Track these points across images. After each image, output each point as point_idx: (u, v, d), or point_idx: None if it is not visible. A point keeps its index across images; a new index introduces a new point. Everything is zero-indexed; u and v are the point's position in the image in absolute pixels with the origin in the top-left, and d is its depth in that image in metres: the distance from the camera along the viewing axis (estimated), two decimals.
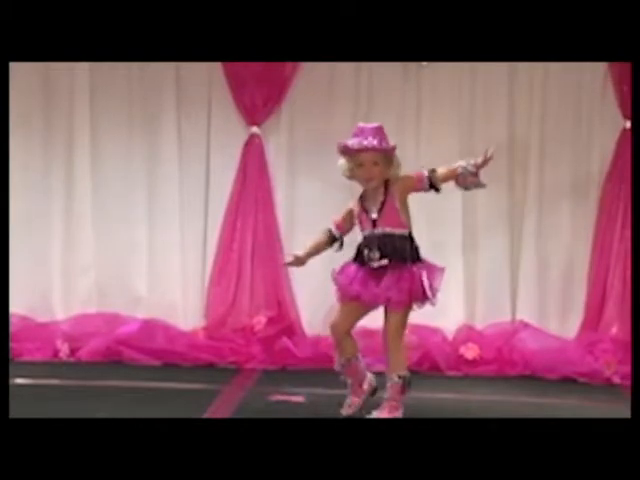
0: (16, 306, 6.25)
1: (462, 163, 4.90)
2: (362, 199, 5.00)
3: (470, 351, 6.52)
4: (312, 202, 6.65)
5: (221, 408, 5.23)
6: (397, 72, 6.69)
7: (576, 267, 6.73)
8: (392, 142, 4.93)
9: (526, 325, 6.66)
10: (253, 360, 6.45)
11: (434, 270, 4.95)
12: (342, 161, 4.99)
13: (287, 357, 6.48)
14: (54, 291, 6.77)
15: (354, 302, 4.98)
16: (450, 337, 6.64)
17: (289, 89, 6.70)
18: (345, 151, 4.94)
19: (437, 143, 6.67)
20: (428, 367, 6.42)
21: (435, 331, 6.58)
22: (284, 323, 6.63)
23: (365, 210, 4.97)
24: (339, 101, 6.75)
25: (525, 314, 6.70)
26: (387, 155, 4.92)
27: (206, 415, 5.02)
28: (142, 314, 6.71)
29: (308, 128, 6.74)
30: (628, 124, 6.54)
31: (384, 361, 5.02)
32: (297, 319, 6.68)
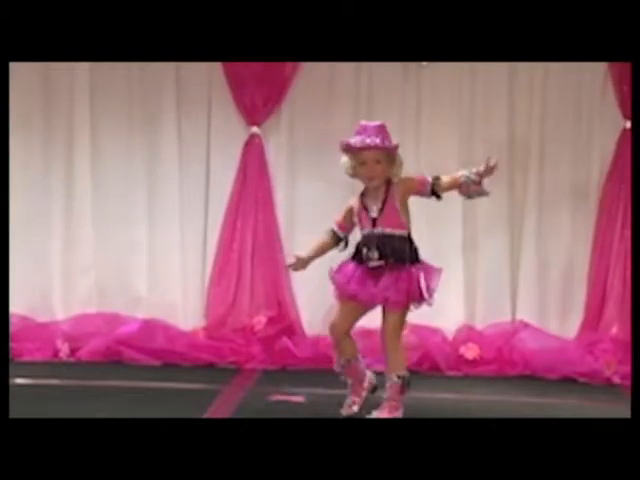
0: (16, 306, 6.25)
1: (465, 172, 4.89)
2: (363, 196, 5.00)
3: (470, 351, 6.51)
4: (312, 202, 6.65)
5: (221, 408, 5.23)
6: (397, 72, 6.68)
7: (576, 267, 6.73)
8: (395, 141, 4.93)
9: (526, 325, 6.65)
10: (253, 360, 6.45)
11: (431, 271, 4.95)
12: (344, 159, 4.98)
13: (287, 357, 6.47)
14: (54, 291, 6.76)
15: (352, 302, 4.98)
16: (450, 337, 6.63)
17: (289, 89, 6.70)
18: (348, 149, 4.94)
19: (437, 143, 6.67)
20: (428, 367, 6.41)
21: (435, 331, 6.57)
22: (284, 323, 6.62)
23: (365, 208, 4.96)
24: (339, 101, 6.75)
25: (525, 314, 6.69)
26: (390, 154, 4.92)
27: (206, 415, 5.02)
28: (142, 314, 6.71)
29: (308, 128, 6.74)
30: (628, 124, 6.54)
31: (383, 361, 5.02)
32: (297, 319, 6.67)
